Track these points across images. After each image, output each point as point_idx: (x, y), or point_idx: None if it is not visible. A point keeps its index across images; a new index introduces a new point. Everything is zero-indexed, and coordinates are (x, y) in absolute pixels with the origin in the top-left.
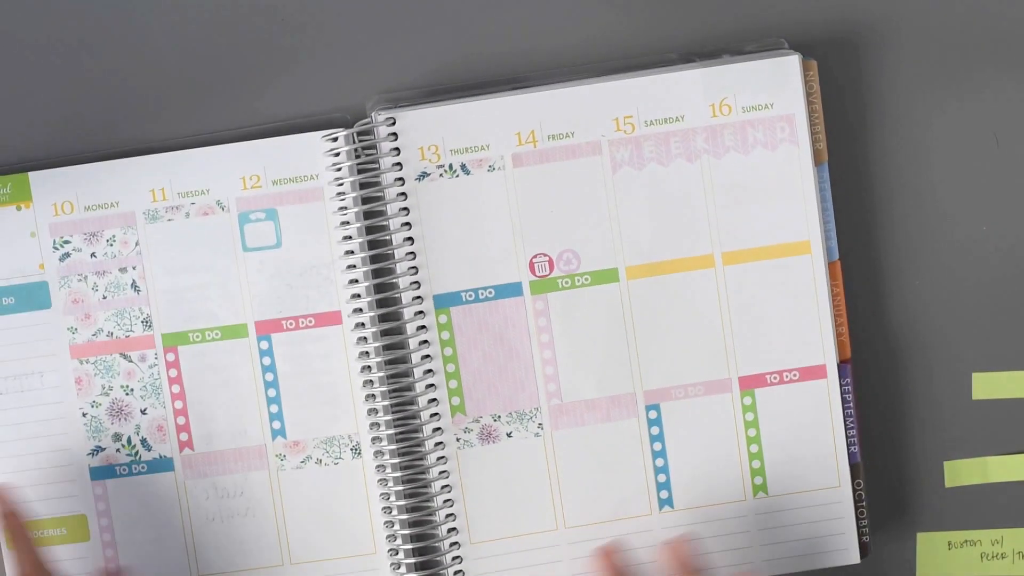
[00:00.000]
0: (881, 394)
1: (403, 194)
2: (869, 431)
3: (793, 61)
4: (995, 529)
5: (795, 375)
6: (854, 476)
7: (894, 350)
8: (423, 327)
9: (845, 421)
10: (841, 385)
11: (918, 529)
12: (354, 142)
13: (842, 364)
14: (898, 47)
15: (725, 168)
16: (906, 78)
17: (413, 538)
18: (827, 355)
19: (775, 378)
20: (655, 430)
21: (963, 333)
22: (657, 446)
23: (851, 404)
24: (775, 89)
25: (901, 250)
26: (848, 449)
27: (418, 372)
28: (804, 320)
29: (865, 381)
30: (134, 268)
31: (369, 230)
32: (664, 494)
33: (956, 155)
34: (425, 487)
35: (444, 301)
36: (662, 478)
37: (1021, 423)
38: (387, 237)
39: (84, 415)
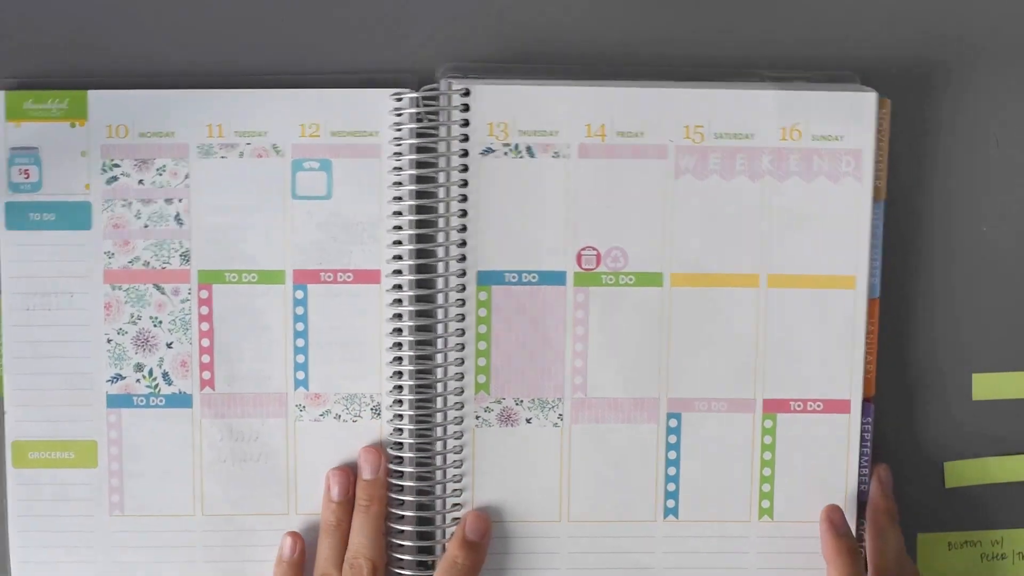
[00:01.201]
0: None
1: (464, 166)
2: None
3: (870, 98)
4: (995, 529)
5: (819, 406)
6: (859, 514)
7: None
8: (461, 300)
9: (860, 459)
10: (862, 423)
11: (918, 529)
12: (419, 105)
13: (865, 402)
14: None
15: (785, 192)
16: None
17: (417, 506)
18: (853, 391)
19: (799, 406)
20: (672, 438)
21: (963, 334)
22: (672, 455)
23: (868, 443)
24: (848, 122)
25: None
26: (859, 487)
27: (449, 344)
28: (837, 353)
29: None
30: (180, 201)
31: (422, 195)
32: (671, 503)
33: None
34: (436, 457)
35: (487, 278)
36: (671, 487)
37: (1021, 423)
38: (439, 204)
39: (109, 341)
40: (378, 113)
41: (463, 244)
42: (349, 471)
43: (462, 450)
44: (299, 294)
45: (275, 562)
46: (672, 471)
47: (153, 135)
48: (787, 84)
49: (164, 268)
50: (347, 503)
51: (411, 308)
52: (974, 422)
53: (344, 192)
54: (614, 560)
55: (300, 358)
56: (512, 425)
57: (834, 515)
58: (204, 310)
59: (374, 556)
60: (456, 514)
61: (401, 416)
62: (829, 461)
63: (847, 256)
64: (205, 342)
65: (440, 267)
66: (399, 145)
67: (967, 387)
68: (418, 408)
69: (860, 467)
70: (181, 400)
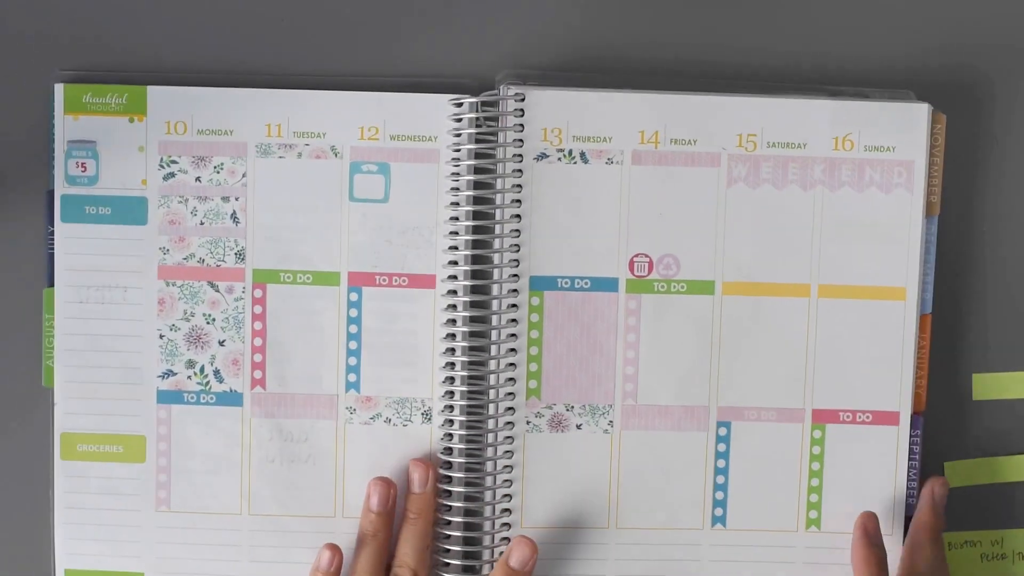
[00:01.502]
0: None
1: (518, 171)
2: None
3: (922, 110)
4: (995, 529)
5: (868, 417)
6: (906, 527)
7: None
8: (514, 305)
9: (908, 472)
10: (911, 436)
11: None
12: (478, 111)
13: (914, 415)
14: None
15: (837, 202)
16: None
17: (466, 512)
18: (903, 404)
19: (848, 416)
20: (722, 447)
21: (963, 333)
22: (721, 463)
23: (917, 456)
24: (900, 134)
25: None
26: (907, 500)
27: (501, 349)
28: (886, 365)
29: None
30: (237, 199)
31: (477, 200)
32: (719, 511)
33: None
34: (486, 462)
35: (540, 284)
36: (720, 495)
37: (1021, 423)
38: (494, 210)
39: (161, 336)
40: (437, 118)
41: (517, 249)
42: (390, 481)
43: (512, 455)
44: (353, 296)
45: (311, 570)
46: (721, 480)
47: (212, 133)
48: (840, 96)
49: (219, 266)
50: (386, 514)
51: (464, 314)
52: (974, 422)
53: (401, 196)
54: (661, 568)
55: (352, 360)
56: (562, 431)
57: (869, 523)
58: (258, 309)
59: (417, 566)
60: (506, 519)
61: (452, 421)
62: (877, 473)
63: (898, 268)
64: (258, 341)
65: (495, 273)
66: (457, 150)
67: (967, 387)
68: (469, 413)
69: (908, 480)
70: (231, 398)
